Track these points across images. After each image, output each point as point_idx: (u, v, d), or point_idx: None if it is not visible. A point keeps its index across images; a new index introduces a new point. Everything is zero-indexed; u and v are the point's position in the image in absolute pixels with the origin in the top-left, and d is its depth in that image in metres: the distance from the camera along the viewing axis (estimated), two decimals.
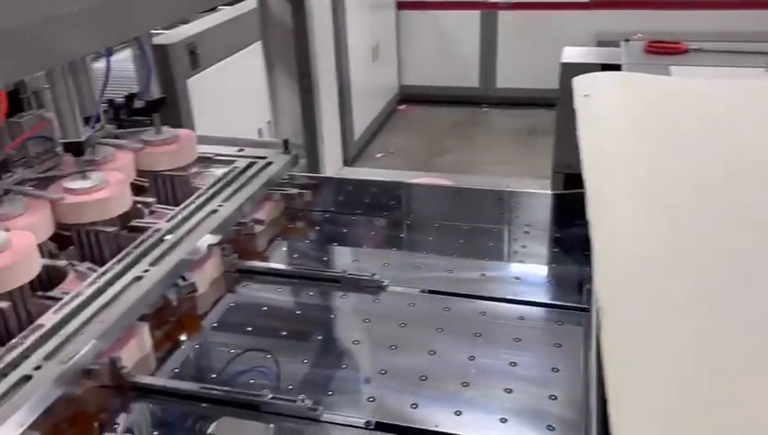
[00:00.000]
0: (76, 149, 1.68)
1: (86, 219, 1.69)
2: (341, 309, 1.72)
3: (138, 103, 2.02)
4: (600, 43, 5.52)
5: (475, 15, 6.24)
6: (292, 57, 2.23)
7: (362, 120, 5.56)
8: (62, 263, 1.62)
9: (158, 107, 2.00)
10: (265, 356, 1.52)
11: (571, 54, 2.17)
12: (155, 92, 1.97)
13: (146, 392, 1.39)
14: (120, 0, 1.11)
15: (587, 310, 1.58)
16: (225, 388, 1.36)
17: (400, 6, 6.37)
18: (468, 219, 2.01)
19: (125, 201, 1.75)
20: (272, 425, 1.31)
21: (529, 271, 1.83)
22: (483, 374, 1.41)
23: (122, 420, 1.35)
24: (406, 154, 5.73)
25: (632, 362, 0.97)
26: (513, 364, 1.43)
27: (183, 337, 1.60)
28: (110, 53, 1.67)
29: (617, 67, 2.26)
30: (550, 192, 1.99)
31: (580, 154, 1.44)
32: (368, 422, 1.28)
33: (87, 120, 1.73)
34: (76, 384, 1.32)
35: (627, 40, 2.48)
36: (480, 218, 2.01)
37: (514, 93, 6.39)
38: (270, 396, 1.32)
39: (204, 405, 1.36)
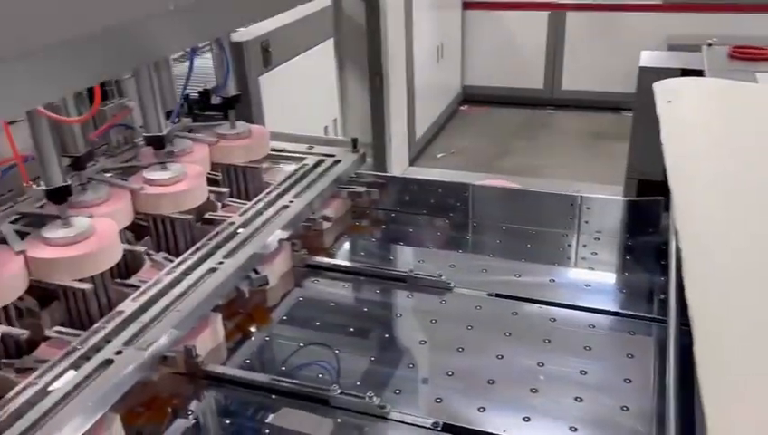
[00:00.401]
0: (157, 142, 1.73)
1: (164, 210, 1.75)
2: (407, 308, 1.73)
3: (214, 99, 2.07)
4: (671, 47, 5.37)
5: (542, 16, 6.15)
6: (365, 56, 2.24)
7: (424, 120, 5.55)
8: (140, 249, 1.67)
9: (234, 103, 2.05)
10: (332, 352, 1.54)
11: (650, 59, 2.12)
12: (231, 89, 2.02)
13: (218, 381, 1.43)
14: (210, 1, 1.15)
15: (659, 320, 1.55)
16: (294, 381, 1.39)
17: (466, 6, 6.33)
18: (536, 223, 1.99)
19: (201, 193, 1.80)
20: (338, 420, 1.33)
21: (599, 278, 1.80)
22: (552, 381, 1.39)
23: (195, 407, 1.39)
24: (467, 155, 5.70)
25: (729, 375, 0.94)
26: (584, 373, 1.41)
27: (253, 329, 1.64)
28: (194, 50, 1.72)
29: (698, 72, 2.19)
30: (622, 198, 1.95)
31: (665, 161, 1.41)
32: (435, 423, 1.28)
33: (168, 115, 1.79)
34: (154, 370, 1.36)
35: (709, 44, 2.39)
36: (549, 223, 1.98)
37: (580, 96, 6.27)
38: (339, 391, 1.33)
39: (273, 397, 1.38)
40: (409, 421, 1.30)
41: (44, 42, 0.94)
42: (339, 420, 1.33)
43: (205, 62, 2.26)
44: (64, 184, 1.48)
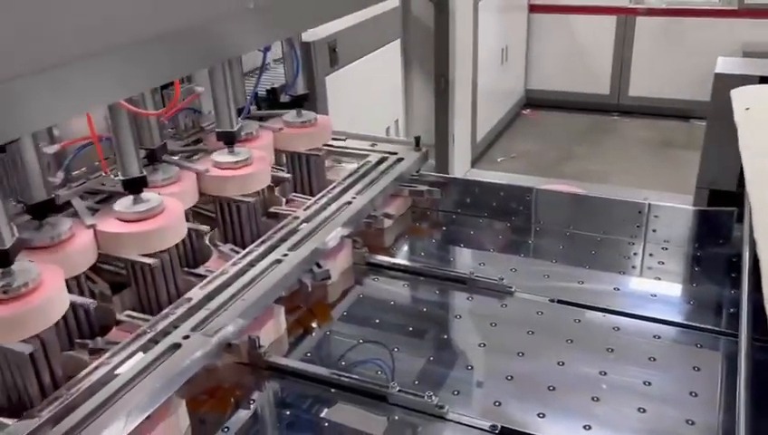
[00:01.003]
0: (228, 137, 1.78)
1: (228, 192, 1.78)
2: (468, 311, 1.72)
3: (283, 97, 2.11)
4: (747, 54, 5.19)
5: (611, 20, 6.03)
6: (431, 57, 2.25)
7: (486, 122, 5.52)
8: (204, 228, 1.71)
9: (302, 102, 2.09)
10: (390, 350, 1.55)
11: (726, 65, 2.05)
12: (300, 88, 2.05)
13: (279, 372, 1.46)
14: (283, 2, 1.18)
15: (728, 334, 1.50)
16: (354, 376, 1.40)
17: (532, 9, 6.26)
18: (601, 230, 1.96)
19: (265, 178, 1.84)
20: (395, 417, 1.34)
21: (666, 289, 1.76)
22: (614, 391, 1.37)
23: (256, 396, 1.43)
24: (528, 159, 5.63)
25: None
26: (648, 384, 1.38)
27: (314, 324, 1.66)
28: (267, 49, 1.76)
29: None
30: (692, 208, 1.89)
31: (744, 170, 1.36)
32: (493, 426, 1.28)
33: (239, 112, 1.83)
34: (219, 356, 1.40)
35: None
36: (614, 230, 1.94)
37: (647, 102, 6.12)
38: (397, 389, 1.34)
39: (332, 390, 1.41)
40: (467, 422, 1.30)
41: (128, 39, 0.98)
42: (396, 417, 1.34)
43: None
44: (140, 175, 1.53)
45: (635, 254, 1.90)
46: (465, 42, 2.30)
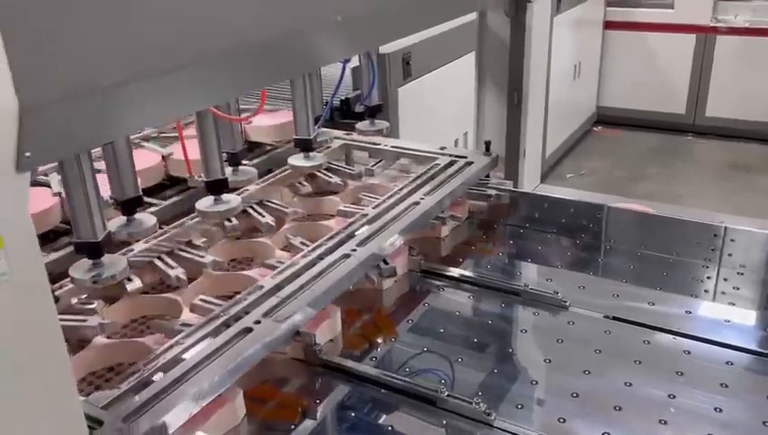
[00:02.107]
0: (306, 144, 1.84)
1: None
2: (533, 325, 1.72)
3: (358, 108, 2.16)
4: None
5: (689, 39, 5.87)
6: (505, 71, 2.26)
7: (556, 138, 5.46)
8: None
9: (377, 112, 2.14)
10: (454, 361, 1.56)
11: None
12: (375, 99, 2.10)
13: (332, 370, 1.50)
14: (374, 12, 1.22)
15: None
16: (405, 379, 1.43)
17: (608, 26, 6.17)
18: (674, 251, 1.92)
19: None
20: (444, 422, 1.35)
21: (740, 314, 1.71)
22: (683, 414, 1.35)
23: (307, 392, 1.46)
24: (597, 177, 5.54)
25: None
26: (718, 410, 1.35)
27: (375, 329, 1.69)
28: (347, 61, 1.81)
29: None
30: None
31: None
32: None
33: (315, 120, 1.89)
34: (288, 342, 1.44)
35: None
36: (688, 252, 1.90)
37: (725, 124, 5.92)
38: (446, 393, 1.36)
39: (383, 392, 1.43)
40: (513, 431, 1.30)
41: (222, 50, 1.04)
42: (444, 422, 1.35)
43: (334, 70, 2.35)
44: (222, 177, 1.61)
45: (708, 277, 1.85)
46: (540, 57, 2.30)
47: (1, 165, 0.73)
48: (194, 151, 1.68)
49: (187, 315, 1.55)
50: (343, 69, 1.80)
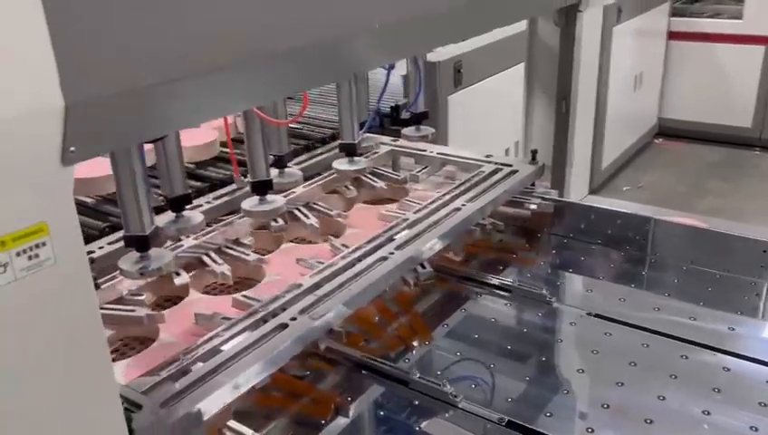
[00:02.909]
0: (350, 149, 1.88)
1: None
2: (569, 336, 1.71)
3: (404, 114, 2.20)
4: None
5: (758, 50, 5.67)
6: (554, 79, 2.26)
7: (613, 149, 5.35)
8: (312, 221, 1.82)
9: (422, 119, 2.17)
10: (487, 367, 1.57)
11: None
12: (421, 106, 2.13)
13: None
14: (411, 21, 1.25)
15: None
16: (414, 373, 1.45)
17: (672, 36, 6.02)
18: (721, 267, 1.87)
19: None
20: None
21: None
22: (717, 431, 1.32)
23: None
24: (656, 191, 5.40)
25: None
26: (754, 429, 1.32)
27: (412, 333, 1.71)
28: (391, 67, 1.85)
29: None
30: None
31: None
32: None
33: (361, 125, 1.94)
34: (322, 339, 1.49)
35: None
36: (736, 268, 1.86)
37: None
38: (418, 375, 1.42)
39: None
40: None
41: (266, 52, 1.08)
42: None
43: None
44: (267, 178, 1.67)
45: (757, 295, 1.80)
46: (591, 66, 2.28)
47: (48, 158, 0.79)
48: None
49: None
50: (388, 75, 1.83)
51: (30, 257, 0.82)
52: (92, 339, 0.92)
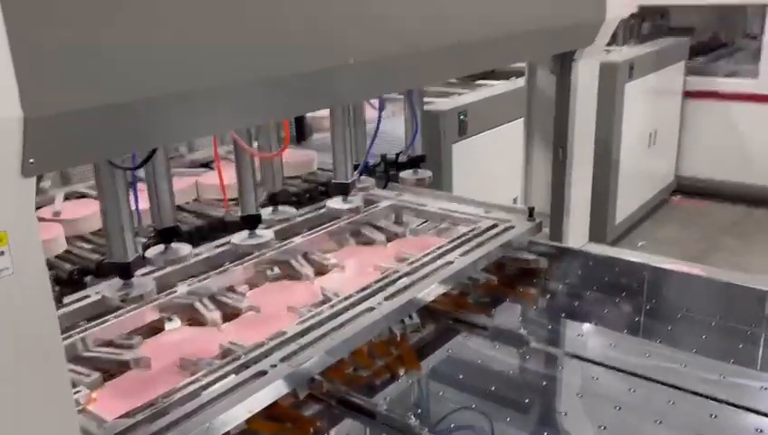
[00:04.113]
0: (342, 189, 1.91)
1: None
2: (592, 390, 1.67)
3: (401, 158, 2.24)
4: None
5: None
6: (551, 128, 2.28)
7: (628, 204, 5.33)
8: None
9: (419, 163, 2.20)
10: (479, 413, 1.54)
11: None
12: (418, 150, 2.17)
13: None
14: (385, 60, 1.28)
15: None
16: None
17: (688, 95, 6.05)
18: (751, 322, 1.81)
19: None
20: None
21: None
22: None
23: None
24: (671, 247, 5.33)
25: None
26: None
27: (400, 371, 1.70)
28: (381, 107, 1.90)
29: None
30: None
31: None
32: None
33: (355, 167, 1.97)
34: (301, 387, 1.48)
35: None
36: (732, 316, 1.82)
37: None
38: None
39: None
40: None
41: (249, 78, 1.12)
42: None
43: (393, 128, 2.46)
44: (256, 213, 1.70)
45: (753, 344, 1.76)
46: (589, 116, 2.31)
47: (7, 169, 0.82)
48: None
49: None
50: (379, 117, 1.88)
51: None
52: (50, 354, 0.93)
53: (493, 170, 3.16)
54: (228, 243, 1.85)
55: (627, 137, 4.94)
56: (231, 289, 1.93)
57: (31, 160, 0.83)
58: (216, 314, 1.79)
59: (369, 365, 1.69)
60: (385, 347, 1.74)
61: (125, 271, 1.40)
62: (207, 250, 2.01)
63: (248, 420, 1.39)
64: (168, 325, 1.78)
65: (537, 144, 2.39)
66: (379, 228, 2.35)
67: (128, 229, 1.38)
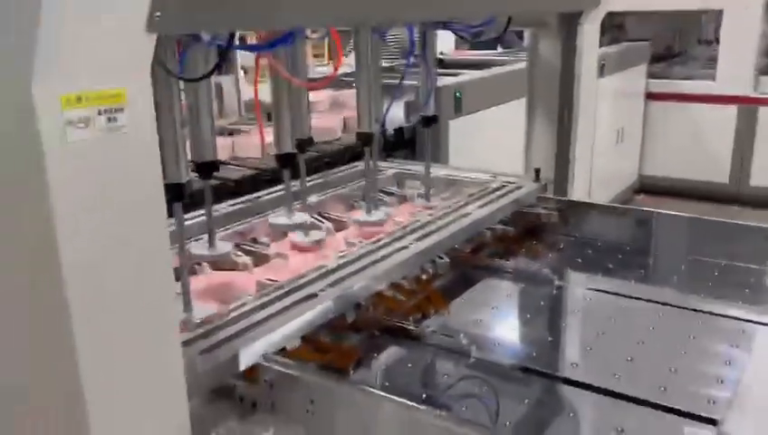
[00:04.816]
0: (367, 139, 1.95)
1: None
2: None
3: (413, 117, 2.30)
4: None
5: (731, 109, 5.96)
6: (555, 94, 2.37)
7: (598, 201, 5.48)
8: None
9: (431, 123, 2.25)
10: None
11: None
12: (431, 109, 2.22)
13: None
14: None
15: None
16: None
17: (650, 96, 6.30)
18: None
19: None
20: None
21: None
22: None
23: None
24: None
25: None
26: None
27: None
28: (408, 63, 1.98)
29: None
30: None
31: None
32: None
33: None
34: (349, 311, 1.50)
35: None
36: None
37: None
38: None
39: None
40: None
41: None
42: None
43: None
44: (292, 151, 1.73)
45: None
46: (591, 79, 2.41)
47: (133, 21, 0.83)
48: None
49: None
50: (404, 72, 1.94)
51: (109, 120, 0.85)
52: (154, 220, 0.94)
53: (488, 149, 3.24)
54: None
55: (598, 133, 5.11)
56: (254, 240, 1.95)
57: (157, 14, 0.84)
58: (246, 259, 1.79)
59: (405, 301, 1.71)
60: (416, 285, 1.78)
61: (179, 192, 1.40)
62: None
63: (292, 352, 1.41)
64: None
65: (539, 112, 2.48)
66: (388, 193, 2.39)
67: (182, 148, 1.39)
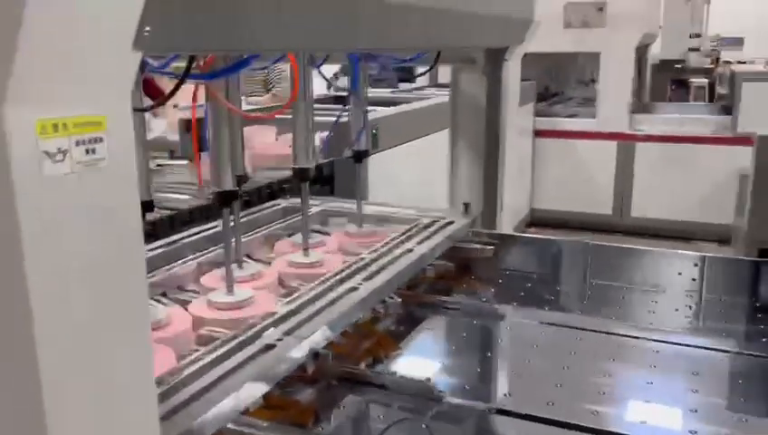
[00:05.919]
0: (303, 174, 1.87)
1: None
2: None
3: (346, 152, 2.24)
4: (743, 179, 5.44)
5: (611, 145, 6.36)
6: (481, 125, 2.39)
7: None
8: None
9: (362, 157, 2.19)
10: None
11: None
12: (363, 144, 2.17)
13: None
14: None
15: None
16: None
17: (538, 134, 6.61)
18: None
19: None
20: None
21: None
22: None
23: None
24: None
25: None
26: None
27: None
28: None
29: None
30: None
31: None
32: None
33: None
34: (309, 362, 1.39)
35: None
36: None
37: (650, 224, 6.31)
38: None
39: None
40: None
41: None
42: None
43: None
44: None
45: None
46: (512, 114, 2.46)
47: (120, 35, 0.71)
48: None
49: None
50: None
51: (87, 151, 0.72)
52: (131, 252, 0.81)
53: (406, 183, 3.23)
54: None
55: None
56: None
57: (146, 30, 0.73)
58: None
59: (356, 345, 1.63)
60: (364, 328, 1.70)
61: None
62: None
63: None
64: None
65: (463, 145, 2.49)
66: (316, 231, 2.30)
67: None
